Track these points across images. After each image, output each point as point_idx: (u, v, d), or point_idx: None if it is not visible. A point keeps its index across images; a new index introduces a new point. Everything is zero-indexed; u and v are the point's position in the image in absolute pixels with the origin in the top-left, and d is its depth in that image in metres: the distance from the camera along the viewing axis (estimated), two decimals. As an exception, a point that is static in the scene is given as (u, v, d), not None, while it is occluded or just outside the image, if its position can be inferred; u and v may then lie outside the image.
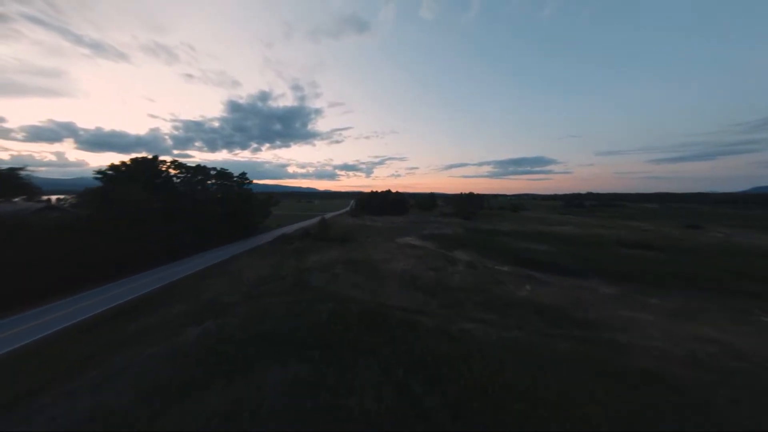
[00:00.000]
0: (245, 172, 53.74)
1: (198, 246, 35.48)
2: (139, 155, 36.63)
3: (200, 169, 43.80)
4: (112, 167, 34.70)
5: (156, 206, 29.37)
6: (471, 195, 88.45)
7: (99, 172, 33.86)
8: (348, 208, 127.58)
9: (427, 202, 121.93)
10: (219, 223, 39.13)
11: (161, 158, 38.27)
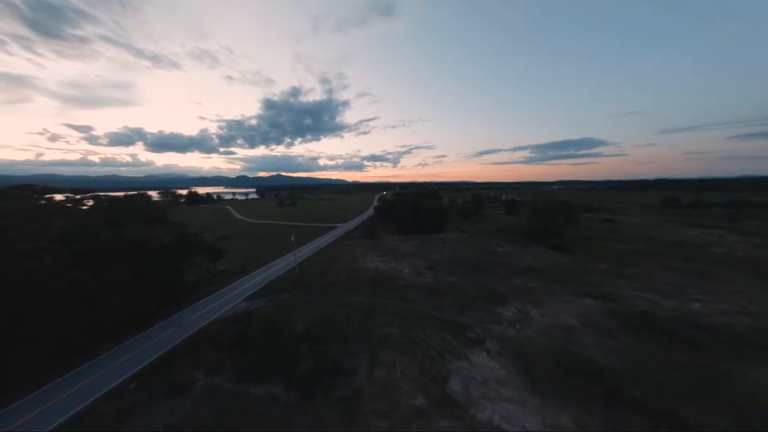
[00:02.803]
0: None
1: None
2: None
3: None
4: None
5: None
6: (552, 203, 55.74)
7: None
8: (372, 208, 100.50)
9: (471, 206, 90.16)
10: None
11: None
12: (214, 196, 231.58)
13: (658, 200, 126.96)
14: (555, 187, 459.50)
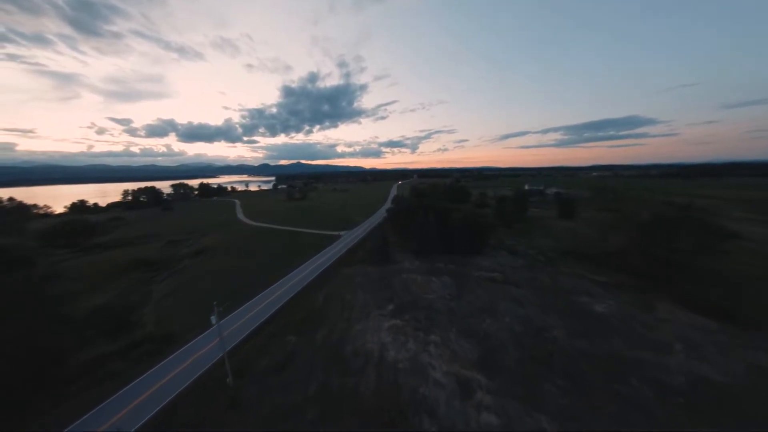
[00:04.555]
0: None
1: None
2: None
3: None
4: None
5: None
6: (673, 216, 34.27)
7: None
8: (391, 199, 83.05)
9: (513, 207, 69.14)
10: None
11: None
12: (228, 188, 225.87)
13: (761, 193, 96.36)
14: (594, 173, 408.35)
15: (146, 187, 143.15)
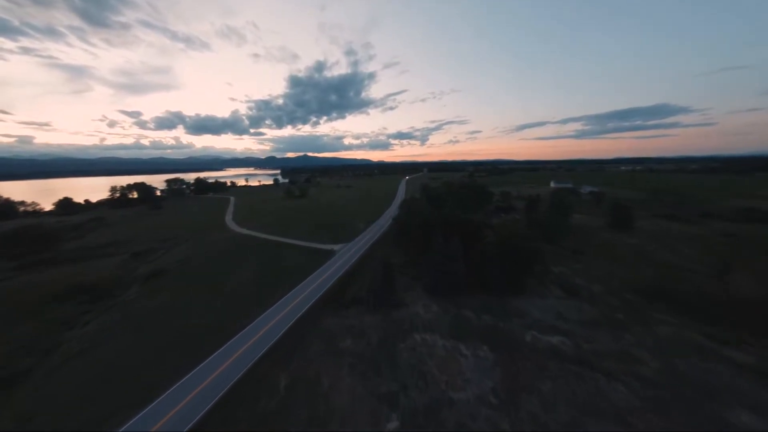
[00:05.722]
0: None
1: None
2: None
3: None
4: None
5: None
6: None
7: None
8: (399, 203, 70.47)
9: (555, 216, 55.28)
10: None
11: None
12: (227, 182, 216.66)
13: None
14: (623, 167, 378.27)
15: (136, 183, 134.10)
